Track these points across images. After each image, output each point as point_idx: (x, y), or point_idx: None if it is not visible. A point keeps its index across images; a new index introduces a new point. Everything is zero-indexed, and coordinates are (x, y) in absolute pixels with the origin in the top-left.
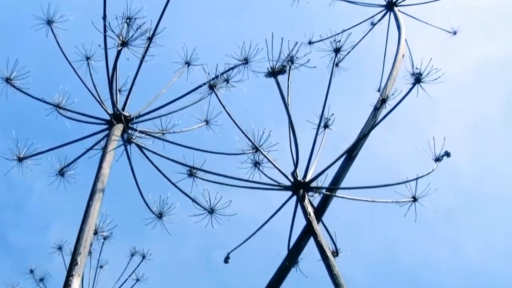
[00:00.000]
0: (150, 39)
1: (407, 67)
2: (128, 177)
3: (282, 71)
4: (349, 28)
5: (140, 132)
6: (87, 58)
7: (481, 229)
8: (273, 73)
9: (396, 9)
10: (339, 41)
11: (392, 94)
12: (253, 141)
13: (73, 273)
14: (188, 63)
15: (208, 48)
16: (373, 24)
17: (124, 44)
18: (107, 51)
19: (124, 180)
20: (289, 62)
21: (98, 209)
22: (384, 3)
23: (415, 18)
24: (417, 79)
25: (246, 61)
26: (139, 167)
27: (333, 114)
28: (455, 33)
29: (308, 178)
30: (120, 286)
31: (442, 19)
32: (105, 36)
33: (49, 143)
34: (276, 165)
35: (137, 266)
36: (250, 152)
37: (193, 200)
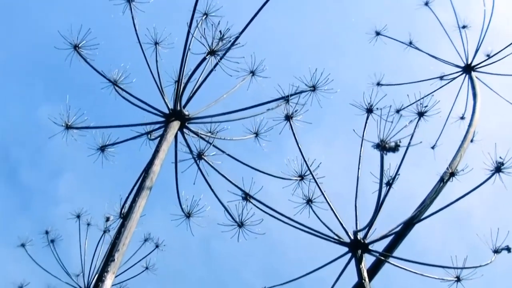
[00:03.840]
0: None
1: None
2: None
3: (394, 149)
4: (419, 81)
5: (192, 132)
6: (156, 43)
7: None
8: (383, 148)
9: (473, 74)
10: (426, 106)
11: (462, 170)
12: (315, 177)
13: (108, 269)
14: (253, 73)
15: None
16: (442, 79)
17: (212, 52)
18: (187, 50)
19: None
20: (369, 111)
21: (143, 207)
22: (462, 64)
23: (490, 88)
24: (498, 168)
25: (314, 88)
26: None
27: (398, 174)
28: None
29: (368, 240)
30: (127, 269)
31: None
32: (187, 36)
33: (100, 115)
34: (338, 215)
35: (149, 254)
36: (299, 179)
37: (226, 209)
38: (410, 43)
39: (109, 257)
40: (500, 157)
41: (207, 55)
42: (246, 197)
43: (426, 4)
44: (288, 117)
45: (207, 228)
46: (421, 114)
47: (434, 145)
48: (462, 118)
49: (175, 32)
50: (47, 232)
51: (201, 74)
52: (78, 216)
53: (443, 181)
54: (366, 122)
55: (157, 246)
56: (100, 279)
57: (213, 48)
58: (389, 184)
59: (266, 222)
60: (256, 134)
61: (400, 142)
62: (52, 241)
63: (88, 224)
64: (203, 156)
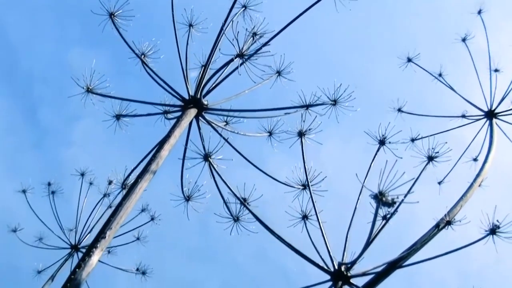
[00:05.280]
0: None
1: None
2: None
3: (390, 204)
4: (440, 116)
5: (207, 122)
6: (190, 25)
7: None
8: (381, 201)
9: (494, 121)
10: (438, 152)
11: (459, 221)
12: (313, 194)
13: (98, 245)
14: (279, 73)
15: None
16: (464, 117)
17: (241, 55)
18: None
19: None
20: (381, 143)
21: (143, 189)
22: (486, 108)
23: (508, 138)
24: (493, 230)
25: (335, 103)
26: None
27: (397, 210)
28: None
29: (351, 272)
30: (119, 235)
31: None
32: (221, 28)
33: (122, 74)
34: (327, 242)
35: (143, 225)
36: (302, 188)
37: (225, 202)
38: (440, 75)
39: (101, 234)
40: (497, 221)
41: (235, 58)
42: (244, 203)
43: (463, 40)
44: (300, 134)
45: (205, 205)
46: (431, 159)
47: (441, 181)
48: (475, 160)
49: (212, 18)
50: (49, 184)
51: (226, 68)
52: (83, 174)
53: (438, 227)
54: (376, 154)
55: (152, 219)
56: (88, 253)
57: (243, 51)
58: (386, 219)
59: None
60: (270, 133)
61: (397, 198)
62: (53, 192)
63: (91, 183)
64: (209, 159)
